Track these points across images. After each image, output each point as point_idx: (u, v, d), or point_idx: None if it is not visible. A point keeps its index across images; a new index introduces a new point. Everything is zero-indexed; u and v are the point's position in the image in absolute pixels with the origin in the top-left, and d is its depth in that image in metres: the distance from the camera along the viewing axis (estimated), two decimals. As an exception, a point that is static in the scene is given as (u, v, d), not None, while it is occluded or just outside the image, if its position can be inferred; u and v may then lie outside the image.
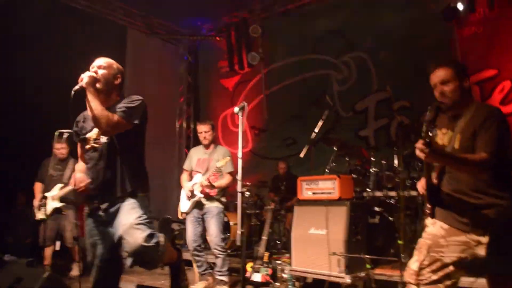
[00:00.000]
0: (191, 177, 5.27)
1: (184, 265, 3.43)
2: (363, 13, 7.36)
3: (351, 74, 7.52)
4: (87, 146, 2.98)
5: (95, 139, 2.94)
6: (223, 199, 5.15)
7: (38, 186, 5.95)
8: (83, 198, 3.04)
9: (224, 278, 4.98)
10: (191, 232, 5.07)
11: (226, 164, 4.92)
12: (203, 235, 5.23)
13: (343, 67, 7.63)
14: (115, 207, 2.87)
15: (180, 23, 9.14)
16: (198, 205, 5.07)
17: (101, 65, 2.95)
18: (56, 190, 5.75)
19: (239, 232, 3.01)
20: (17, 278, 4.23)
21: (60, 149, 5.89)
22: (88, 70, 2.93)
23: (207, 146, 5.26)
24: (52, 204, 5.69)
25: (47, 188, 5.79)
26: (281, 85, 8.41)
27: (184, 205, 5.15)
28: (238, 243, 3.02)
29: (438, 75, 2.62)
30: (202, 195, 4.99)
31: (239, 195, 3.09)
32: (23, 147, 6.91)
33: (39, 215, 5.68)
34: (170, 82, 9.58)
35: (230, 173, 5.08)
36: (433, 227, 2.55)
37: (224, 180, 5.06)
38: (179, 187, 5.46)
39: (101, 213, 2.91)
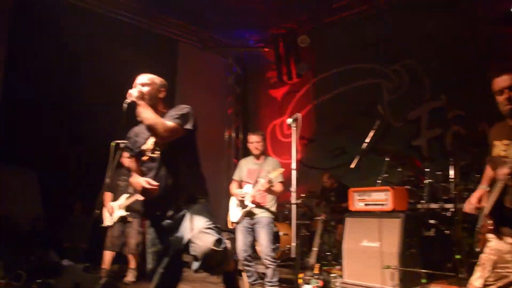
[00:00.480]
0: (240, 188, 5.31)
1: (237, 275, 3.44)
2: (414, 20, 7.19)
3: (402, 82, 7.36)
4: (144, 158, 3.06)
5: (152, 149, 3.02)
6: (273, 209, 5.15)
7: (107, 196, 6.19)
8: (148, 208, 3.09)
9: None
10: (241, 241, 5.10)
11: (279, 175, 4.93)
12: (253, 245, 5.25)
13: (393, 76, 7.48)
14: (181, 213, 2.92)
15: (228, 36, 9.29)
16: (249, 215, 5.08)
17: (144, 82, 3.05)
18: (123, 200, 6.04)
19: (293, 243, 2.99)
20: (75, 284, 4.43)
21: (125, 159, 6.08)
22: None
23: (257, 157, 5.28)
24: (118, 212, 6.00)
25: (114, 197, 6.09)
26: (330, 95, 8.34)
27: (234, 215, 5.18)
28: (293, 255, 2.99)
29: (506, 79, 2.50)
30: (253, 205, 5.01)
31: (294, 206, 3.07)
32: (79, 159, 7.21)
33: (106, 221, 6.01)
34: (219, 93, 9.73)
35: (281, 182, 5.08)
36: (497, 242, 2.44)
37: (278, 187, 5.04)
38: (228, 197, 5.51)
39: (167, 221, 2.96)
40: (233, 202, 5.31)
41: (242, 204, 5.08)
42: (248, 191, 5.09)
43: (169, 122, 2.89)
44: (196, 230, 2.79)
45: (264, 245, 4.98)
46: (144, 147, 3.08)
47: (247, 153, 8.79)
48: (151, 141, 3.05)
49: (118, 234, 6.11)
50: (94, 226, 6.24)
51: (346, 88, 8.08)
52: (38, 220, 8.34)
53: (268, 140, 9.21)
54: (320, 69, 8.54)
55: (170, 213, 2.96)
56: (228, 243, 2.88)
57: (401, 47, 7.40)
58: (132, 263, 6.25)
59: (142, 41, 7.95)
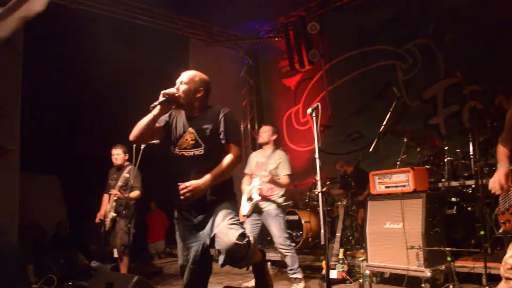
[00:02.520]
0: (252, 181, 5.37)
1: (267, 265, 3.48)
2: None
3: (416, 62, 7.28)
4: (176, 152, 3.06)
5: (186, 148, 3.02)
6: (280, 201, 5.17)
7: (104, 198, 5.90)
8: (177, 206, 3.10)
9: (298, 275, 5.00)
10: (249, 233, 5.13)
11: (278, 166, 4.94)
12: (262, 236, 5.28)
13: (406, 56, 7.41)
14: (208, 211, 2.96)
15: (238, 28, 9.29)
16: (257, 208, 5.15)
17: (182, 80, 3.06)
18: (112, 201, 5.68)
19: (322, 231, 3.02)
20: (108, 283, 4.51)
21: (114, 155, 5.79)
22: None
23: (264, 148, 5.35)
24: (109, 215, 5.65)
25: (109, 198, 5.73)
26: (344, 80, 8.31)
27: (245, 208, 5.23)
28: (322, 242, 3.02)
29: None
30: (260, 198, 5.06)
31: (320, 194, 3.09)
32: (102, 160, 7.30)
33: (104, 227, 5.72)
34: (233, 86, 9.75)
35: (287, 175, 5.11)
36: None
37: (283, 179, 5.08)
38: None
39: (192, 218, 3.01)
40: (244, 196, 5.36)
41: (250, 197, 5.15)
42: (255, 184, 5.16)
43: (233, 154, 2.98)
44: (221, 226, 2.83)
45: (277, 235, 5.04)
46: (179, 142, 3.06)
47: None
48: (187, 138, 3.03)
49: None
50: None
51: (359, 72, 8.04)
52: (63, 224, 8.51)
53: (284, 129, 9.24)
54: (332, 55, 8.50)
55: (195, 214, 3.00)
56: (251, 237, 2.90)
57: (412, 26, 7.33)
58: (123, 268, 5.65)
59: (153, 41, 8.01)
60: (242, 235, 2.81)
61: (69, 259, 6.74)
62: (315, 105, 3.35)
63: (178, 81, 3.08)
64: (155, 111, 2.95)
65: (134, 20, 7.82)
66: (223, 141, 3.00)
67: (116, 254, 5.65)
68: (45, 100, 7.36)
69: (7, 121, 6.06)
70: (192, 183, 2.87)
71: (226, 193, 3.06)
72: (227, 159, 2.98)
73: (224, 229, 2.81)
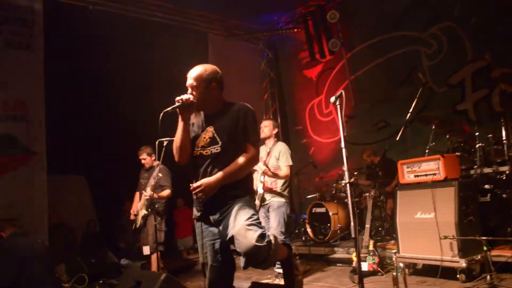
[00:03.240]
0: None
1: (295, 259, 3.41)
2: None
3: (441, 46, 7.03)
4: (194, 152, 3.00)
5: (203, 146, 2.97)
6: (285, 193, 5.24)
7: (136, 196, 6.06)
8: (195, 204, 3.07)
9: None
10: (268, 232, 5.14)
11: (278, 157, 5.12)
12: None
13: (431, 41, 7.17)
14: (226, 207, 2.88)
15: (256, 21, 9.19)
16: (262, 201, 5.23)
17: (192, 84, 2.94)
18: (144, 199, 5.73)
19: (352, 223, 2.93)
20: (136, 281, 4.53)
21: (142, 160, 5.97)
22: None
23: (266, 142, 5.36)
24: (141, 213, 5.73)
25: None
26: (367, 68, 8.10)
27: None
28: (353, 235, 2.93)
29: None
30: (263, 191, 5.17)
31: (348, 185, 3.00)
32: (129, 160, 7.36)
33: (135, 224, 5.82)
34: (253, 79, 9.66)
35: (288, 166, 5.19)
36: None
37: (281, 172, 5.14)
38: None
39: (211, 216, 2.94)
40: None
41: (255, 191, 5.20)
42: (258, 178, 5.21)
43: (249, 154, 2.92)
44: (239, 227, 2.74)
45: (272, 227, 5.07)
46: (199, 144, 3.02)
47: (285, 136, 8.79)
48: (205, 136, 2.98)
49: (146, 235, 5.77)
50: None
51: (382, 60, 7.83)
52: (92, 223, 8.64)
53: (307, 120, 9.14)
54: (353, 43, 8.32)
55: (214, 209, 2.92)
56: (271, 236, 2.81)
57: (436, 9, 7.09)
58: (154, 265, 5.67)
59: (171, 38, 7.99)
60: (262, 236, 2.72)
61: (99, 257, 6.83)
62: (339, 93, 3.23)
63: (187, 84, 2.97)
64: (180, 125, 2.91)
65: (151, 18, 7.79)
66: (241, 140, 2.94)
67: (146, 252, 5.69)
68: (72, 103, 7.45)
69: (31, 124, 6.15)
70: (203, 181, 2.83)
71: (243, 189, 2.98)
72: (242, 158, 2.91)
73: (242, 231, 2.72)
